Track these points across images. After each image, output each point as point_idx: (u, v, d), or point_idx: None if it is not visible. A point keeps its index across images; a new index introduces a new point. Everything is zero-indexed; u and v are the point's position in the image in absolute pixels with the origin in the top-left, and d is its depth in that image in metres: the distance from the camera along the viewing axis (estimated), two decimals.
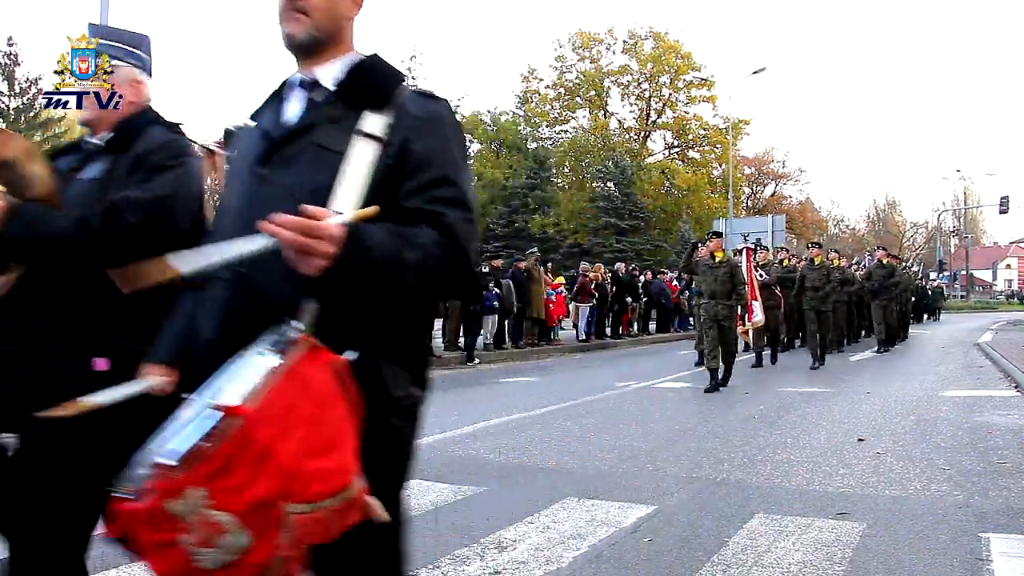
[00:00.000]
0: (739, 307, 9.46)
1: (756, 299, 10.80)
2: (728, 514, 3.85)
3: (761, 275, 11.89)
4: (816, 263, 12.30)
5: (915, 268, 25.67)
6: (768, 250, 14.81)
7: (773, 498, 4.15)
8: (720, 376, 8.66)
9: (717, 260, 9.00)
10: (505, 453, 5.39)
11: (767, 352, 11.80)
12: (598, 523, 3.70)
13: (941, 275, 45.11)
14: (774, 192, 46.72)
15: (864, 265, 17.63)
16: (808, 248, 14.52)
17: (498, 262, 14.26)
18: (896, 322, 15.92)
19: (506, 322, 14.07)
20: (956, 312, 37.86)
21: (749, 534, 3.52)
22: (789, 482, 4.52)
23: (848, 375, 10.26)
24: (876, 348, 14.02)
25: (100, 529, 1.51)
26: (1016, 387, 8.64)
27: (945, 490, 4.30)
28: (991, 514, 3.81)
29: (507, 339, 14.19)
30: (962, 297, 51.71)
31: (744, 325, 10.43)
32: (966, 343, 16.09)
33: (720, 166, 36.51)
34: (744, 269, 10.44)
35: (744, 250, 11.27)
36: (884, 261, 15.09)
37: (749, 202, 44.14)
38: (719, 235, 9.58)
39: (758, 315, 10.77)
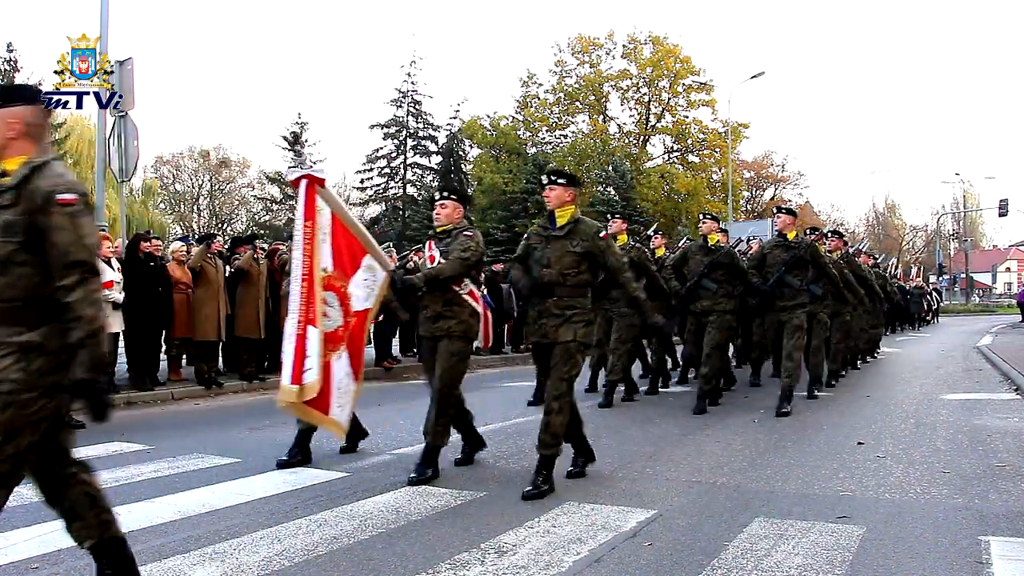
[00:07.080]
0: None
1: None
2: (728, 518, 3.85)
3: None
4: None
5: (878, 256, 18.20)
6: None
7: (773, 502, 4.15)
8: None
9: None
10: (505, 458, 5.39)
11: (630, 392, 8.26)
12: (598, 527, 3.70)
13: (941, 278, 45.09)
14: (773, 196, 46.73)
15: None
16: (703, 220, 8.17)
17: (498, 266, 14.25)
18: (858, 344, 10.92)
19: (505, 326, 14.05)
20: (956, 315, 37.85)
21: (749, 538, 3.52)
22: (789, 486, 4.52)
23: (847, 379, 10.24)
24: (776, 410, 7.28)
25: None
26: (1016, 390, 8.63)
27: (945, 493, 4.30)
28: (991, 517, 3.81)
29: (505, 343, 14.18)
30: (972, 298, 51.61)
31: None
32: (966, 346, 16.08)
33: (719, 170, 36.55)
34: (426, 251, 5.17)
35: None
36: (790, 237, 7.71)
37: (748, 206, 44.21)
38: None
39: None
